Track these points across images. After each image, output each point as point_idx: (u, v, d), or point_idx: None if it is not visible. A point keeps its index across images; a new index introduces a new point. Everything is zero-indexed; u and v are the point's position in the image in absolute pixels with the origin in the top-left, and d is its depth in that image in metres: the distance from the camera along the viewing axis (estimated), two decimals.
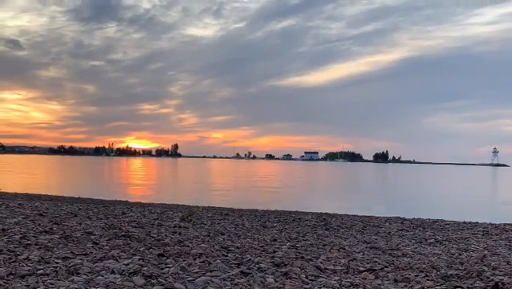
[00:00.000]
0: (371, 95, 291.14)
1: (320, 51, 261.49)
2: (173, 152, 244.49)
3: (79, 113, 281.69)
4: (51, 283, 3.05)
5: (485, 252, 5.18)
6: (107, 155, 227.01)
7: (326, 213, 11.39)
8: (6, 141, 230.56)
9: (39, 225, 5.71)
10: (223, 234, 5.99)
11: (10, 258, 3.69)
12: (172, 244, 4.80)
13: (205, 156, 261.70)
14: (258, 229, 7.02)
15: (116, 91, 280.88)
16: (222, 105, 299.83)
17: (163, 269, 3.64)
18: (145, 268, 3.56)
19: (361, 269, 4.11)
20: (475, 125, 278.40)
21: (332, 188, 31.96)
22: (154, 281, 3.28)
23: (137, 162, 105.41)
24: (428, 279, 3.73)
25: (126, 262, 3.76)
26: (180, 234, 5.70)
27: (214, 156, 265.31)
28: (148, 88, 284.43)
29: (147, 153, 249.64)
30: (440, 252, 5.32)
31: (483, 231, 7.73)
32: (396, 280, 3.72)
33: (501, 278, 3.70)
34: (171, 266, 3.74)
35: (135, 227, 6.05)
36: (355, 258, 4.60)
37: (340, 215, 10.82)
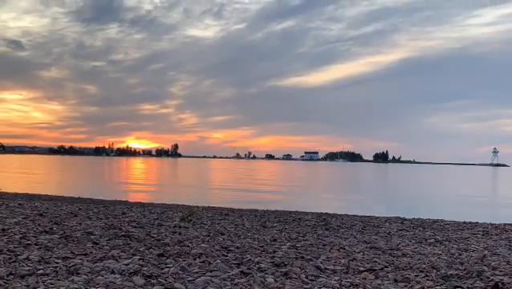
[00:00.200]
0: (371, 96, 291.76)
1: (320, 52, 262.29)
2: (173, 152, 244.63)
3: (79, 113, 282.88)
4: (51, 283, 3.05)
5: (485, 252, 5.18)
6: (107, 155, 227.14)
7: (326, 213, 11.38)
8: (6, 141, 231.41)
9: (39, 225, 5.71)
10: (223, 234, 5.99)
11: (10, 258, 3.69)
12: (172, 244, 4.80)
13: (205, 157, 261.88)
14: (258, 229, 7.02)
15: (117, 92, 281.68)
16: (222, 105, 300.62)
17: (163, 269, 3.64)
18: (145, 268, 3.56)
19: (361, 269, 4.10)
20: (475, 125, 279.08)
21: (332, 188, 31.92)
22: (154, 281, 3.28)
23: (137, 162, 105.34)
24: (428, 279, 3.73)
25: (126, 262, 3.75)
26: (180, 234, 5.69)
27: (214, 157, 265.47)
28: (149, 88, 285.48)
29: (147, 153, 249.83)
30: (440, 252, 5.32)
31: (483, 231, 7.73)
32: (396, 280, 3.72)
33: (501, 278, 3.70)
34: (171, 266, 3.74)
35: (135, 227, 6.04)
36: (355, 258, 4.60)
37: (340, 215, 10.81)
